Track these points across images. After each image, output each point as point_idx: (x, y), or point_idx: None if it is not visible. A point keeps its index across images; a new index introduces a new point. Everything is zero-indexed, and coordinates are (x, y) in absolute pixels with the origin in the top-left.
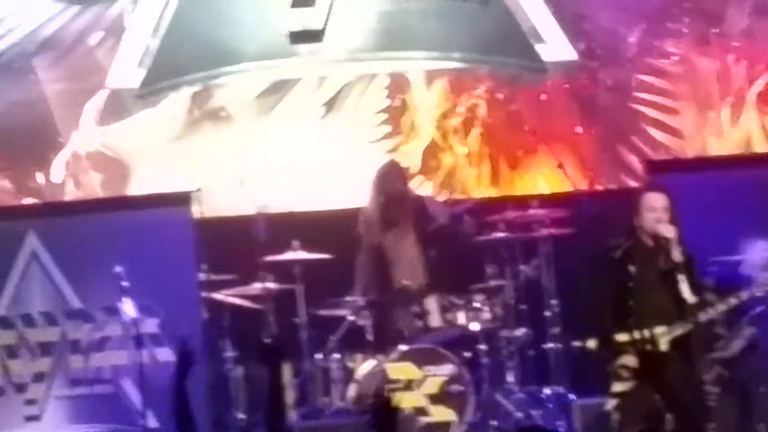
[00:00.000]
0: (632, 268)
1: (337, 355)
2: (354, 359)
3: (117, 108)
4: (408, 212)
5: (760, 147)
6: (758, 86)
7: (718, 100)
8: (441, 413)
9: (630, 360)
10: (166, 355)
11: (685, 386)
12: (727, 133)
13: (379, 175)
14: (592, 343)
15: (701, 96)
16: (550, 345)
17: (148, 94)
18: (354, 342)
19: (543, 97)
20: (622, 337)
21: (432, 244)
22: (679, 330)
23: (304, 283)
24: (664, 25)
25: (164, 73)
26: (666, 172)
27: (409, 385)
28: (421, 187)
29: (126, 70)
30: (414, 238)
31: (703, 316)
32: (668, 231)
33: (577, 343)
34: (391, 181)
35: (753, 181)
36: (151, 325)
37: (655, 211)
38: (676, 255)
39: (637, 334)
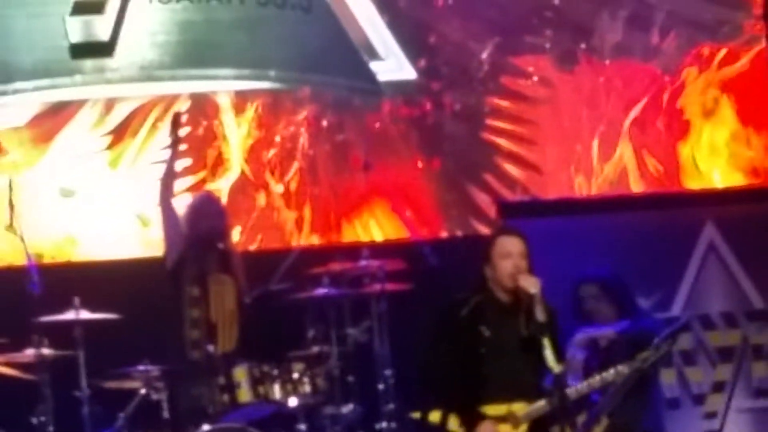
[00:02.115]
0: (485, 330)
1: None
2: None
3: None
4: (226, 258)
5: (636, 186)
6: (635, 113)
7: (587, 129)
8: None
9: None
10: None
11: None
12: (598, 170)
13: (192, 208)
14: (435, 416)
15: (566, 125)
16: (383, 424)
17: None
18: (147, 420)
19: (377, 125)
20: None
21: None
22: (542, 407)
23: (86, 348)
24: (522, 39)
25: None
26: (523, 215)
27: None
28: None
29: None
30: (231, 292)
31: (572, 392)
32: (532, 285)
33: (416, 415)
34: (208, 217)
35: (628, 228)
36: None
37: (512, 258)
38: (540, 314)
39: (490, 410)
